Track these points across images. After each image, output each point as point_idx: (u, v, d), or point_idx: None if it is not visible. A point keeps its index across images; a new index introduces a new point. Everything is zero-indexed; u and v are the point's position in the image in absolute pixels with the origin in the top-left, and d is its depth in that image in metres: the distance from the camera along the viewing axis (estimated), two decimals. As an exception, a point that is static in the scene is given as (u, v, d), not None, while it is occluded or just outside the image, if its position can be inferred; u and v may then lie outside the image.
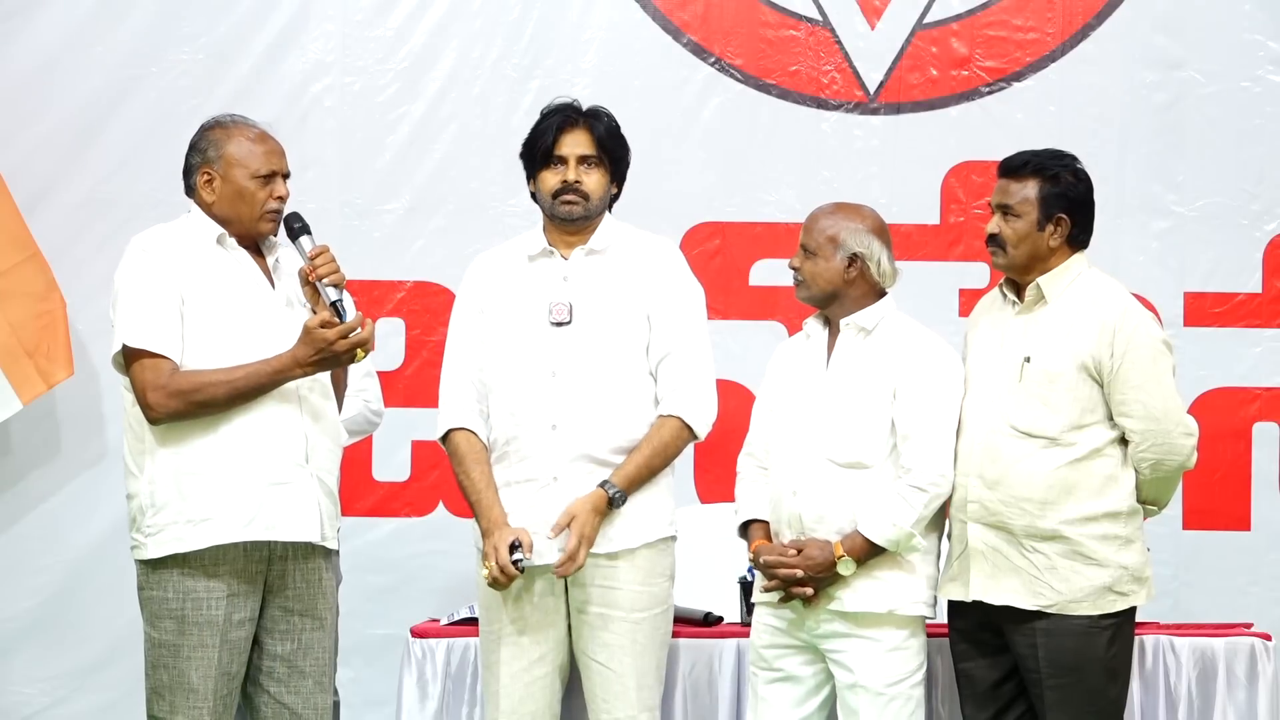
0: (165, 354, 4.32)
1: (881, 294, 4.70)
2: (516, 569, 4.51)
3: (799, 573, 4.55)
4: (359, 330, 4.34)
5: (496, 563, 4.52)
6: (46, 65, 6.16)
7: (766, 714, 4.67)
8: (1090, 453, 4.55)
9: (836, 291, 4.66)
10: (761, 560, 4.62)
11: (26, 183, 6.06)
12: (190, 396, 4.30)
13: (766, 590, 4.63)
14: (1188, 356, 5.92)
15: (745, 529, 4.75)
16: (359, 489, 6.08)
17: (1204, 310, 6.12)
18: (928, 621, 4.70)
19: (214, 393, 4.31)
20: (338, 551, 4.60)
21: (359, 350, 4.35)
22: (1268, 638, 4.90)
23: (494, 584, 4.55)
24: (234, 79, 6.15)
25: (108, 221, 6.09)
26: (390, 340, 6.13)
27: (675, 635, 4.80)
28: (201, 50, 6.17)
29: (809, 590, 4.55)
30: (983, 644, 4.65)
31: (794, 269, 4.70)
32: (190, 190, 4.49)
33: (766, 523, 4.70)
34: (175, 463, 4.34)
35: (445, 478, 6.07)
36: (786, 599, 4.60)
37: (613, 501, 4.56)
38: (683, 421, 4.63)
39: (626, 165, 4.76)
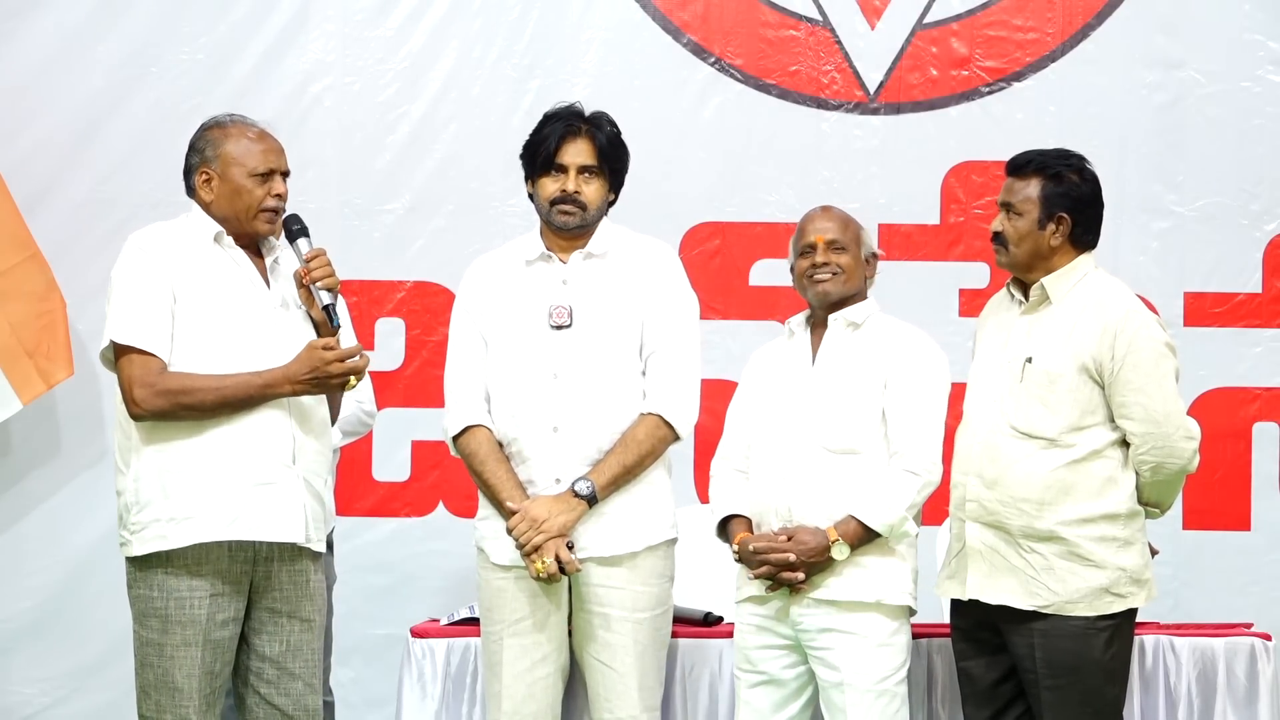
0: (153, 352, 4.33)
1: (866, 294, 4.74)
2: (575, 566, 4.55)
3: (791, 557, 4.54)
4: (356, 358, 4.36)
5: (558, 559, 4.52)
6: (46, 65, 6.16)
7: (749, 717, 4.66)
8: (1089, 454, 4.55)
9: (860, 289, 4.71)
10: (751, 548, 4.60)
11: (26, 183, 6.07)
12: (177, 398, 4.30)
13: (755, 577, 4.60)
14: (1188, 356, 5.87)
15: (724, 528, 4.74)
16: (359, 489, 6.08)
17: (1204, 310, 6.12)
18: (929, 622, 4.70)
19: (202, 398, 4.31)
20: (330, 552, 4.59)
21: (352, 377, 4.36)
22: (1268, 638, 4.90)
23: (547, 579, 4.54)
24: (234, 79, 6.16)
25: (108, 221, 6.09)
26: (390, 340, 6.13)
27: (675, 635, 4.80)
28: (201, 50, 6.18)
29: (800, 575, 4.54)
30: (982, 643, 4.65)
31: (823, 264, 4.67)
32: (191, 191, 4.50)
33: (747, 518, 4.69)
34: (160, 460, 4.34)
35: (445, 478, 6.09)
36: (775, 587, 4.59)
37: (577, 493, 4.57)
38: (660, 418, 4.64)
39: (625, 172, 4.78)
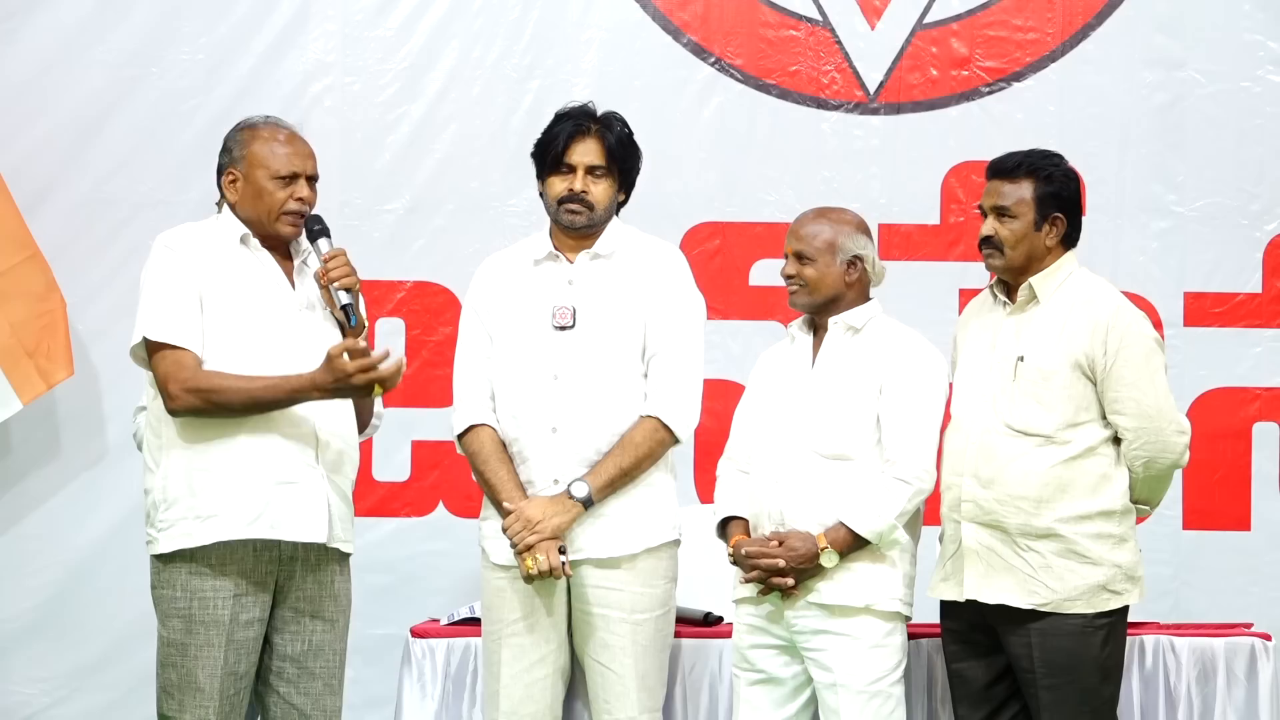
0: (186, 346, 4.35)
1: (868, 295, 4.71)
2: (565, 571, 4.55)
3: (780, 563, 4.54)
4: (383, 365, 4.34)
5: (547, 558, 4.51)
6: (46, 65, 6.16)
7: (749, 715, 4.66)
8: (1084, 451, 4.56)
9: (839, 295, 4.67)
10: (743, 551, 4.61)
11: (26, 183, 6.06)
12: (208, 396, 4.34)
13: (746, 581, 4.61)
14: (1188, 356, 5.93)
15: (724, 528, 4.74)
16: (359, 489, 6.01)
17: (1204, 310, 6.12)
18: (917, 622, 4.70)
19: (231, 398, 4.33)
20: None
21: (377, 386, 4.36)
22: (1268, 638, 4.90)
23: (534, 578, 4.54)
24: (234, 79, 6.15)
25: (108, 221, 6.10)
26: (390, 340, 6.12)
27: (676, 635, 4.80)
28: (201, 50, 6.17)
29: (789, 581, 4.54)
30: (976, 645, 4.65)
31: (789, 276, 4.69)
32: (221, 191, 4.53)
33: (745, 520, 4.69)
34: (188, 459, 4.38)
35: (445, 478, 6.08)
36: (766, 591, 4.59)
37: (573, 495, 4.57)
38: (659, 421, 4.64)
39: (636, 173, 4.79)
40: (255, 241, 4.48)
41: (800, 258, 4.68)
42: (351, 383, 4.33)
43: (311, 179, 4.51)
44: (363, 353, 4.33)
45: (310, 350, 4.41)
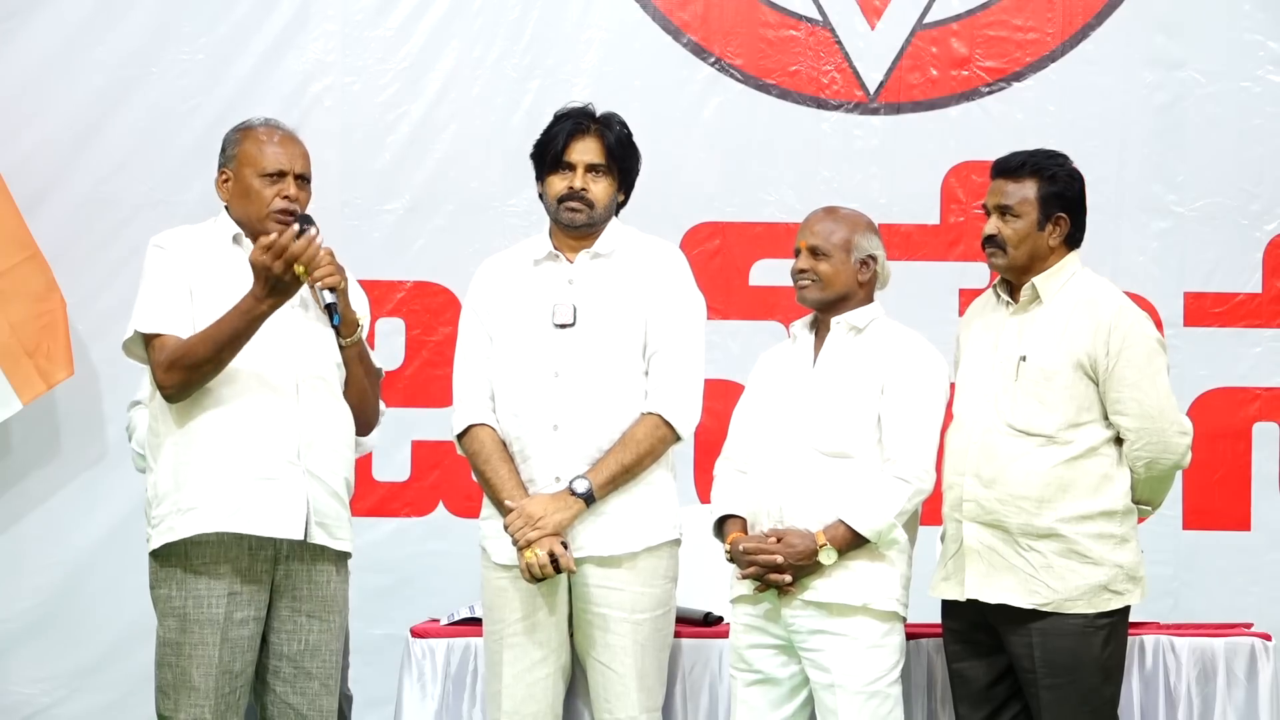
0: (172, 334, 4.35)
1: (873, 297, 4.72)
2: (569, 563, 4.53)
3: (779, 559, 4.53)
4: (296, 243, 4.26)
5: (551, 555, 4.51)
6: (46, 65, 6.16)
7: (746, 716, 4.65)
8: (1086, 451, 4.56)
9: (849, 293, 4.68)
10: (741, 548, 4.60)
11: (26, 183, 6.07)
12: (181, 362, 4.33)
13: (743, 578, 4.60)
14: (1188, 356, 5.93)
15: (720, 526, 4.74)
16: (359, 489, 6.02)
17: (1204, 310, 6.12)
18: (918, 622, 4.70)
19: (198, 352, 4.32)
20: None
21: (300, 268, 4.28)
22: (1268, 638, 4.90)
23: (536, 574, 4.53)
24: (234, 79, 6.16)
25: (108, 221, 6.11)
26: (390, 340, 6.14)
27: (676, 635, 4.80)
28: (201, 50, 6.18)
29: (787, 577, 4.53)
30: (977, 644, 4.65)
31: (801, 271, 4.69)
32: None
33: (742, 518, 4.69)
34: (177, 455, 4.39)
35: (445, 478, 6.09)
36: (763, 588, 4.59)
37: (574, 491, 4.57)
38: (660, 418, 4.64)
39: (636, 174, 4.79)
40: (248, 241, 4.47)
41: (815, 253, 4.68)
42: (275, 272, 4.26)
43: (302, 178, 4.50)
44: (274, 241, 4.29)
45: (302, 349, 4.42)
